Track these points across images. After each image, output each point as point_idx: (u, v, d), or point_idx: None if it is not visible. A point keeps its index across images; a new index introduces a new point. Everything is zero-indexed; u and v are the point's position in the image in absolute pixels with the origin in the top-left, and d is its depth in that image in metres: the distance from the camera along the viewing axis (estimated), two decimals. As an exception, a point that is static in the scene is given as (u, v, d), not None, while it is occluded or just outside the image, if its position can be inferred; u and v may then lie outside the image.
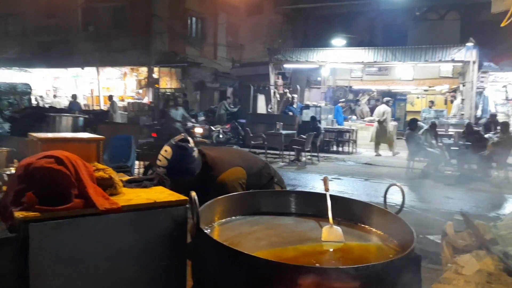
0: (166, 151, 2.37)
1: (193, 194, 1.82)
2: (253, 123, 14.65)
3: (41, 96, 17.77)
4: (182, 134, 2.48)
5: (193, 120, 13.35)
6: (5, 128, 9.16)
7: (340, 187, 8.81)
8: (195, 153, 2.44)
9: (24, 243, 1.61)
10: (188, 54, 20.21)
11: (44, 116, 7.06)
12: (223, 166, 2.53)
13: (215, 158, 2.56)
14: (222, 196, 2.19)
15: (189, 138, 2.43)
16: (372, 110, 18.18)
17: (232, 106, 17.13)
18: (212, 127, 14.27)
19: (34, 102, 14.44)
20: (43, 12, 21.22)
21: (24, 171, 1.73)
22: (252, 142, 12.73)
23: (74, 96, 16.72)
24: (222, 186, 2.42)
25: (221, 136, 14.11)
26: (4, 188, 2.01)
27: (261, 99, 17.60)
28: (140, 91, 20.44)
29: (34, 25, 21.66)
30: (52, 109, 10.00)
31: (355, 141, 14.66)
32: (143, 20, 19.06)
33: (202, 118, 15.23)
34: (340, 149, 14.58)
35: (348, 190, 8.43)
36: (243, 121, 15.22)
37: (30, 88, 12.70)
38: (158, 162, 2.38)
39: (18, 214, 1.62)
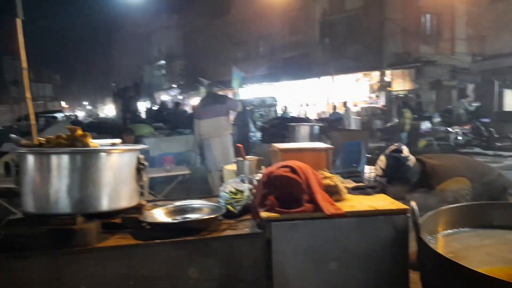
0: (381, 160, 2.48)
1: (413, 204, 1.87)
2: (499, 122, 12.91)
3: (285, 107, 19.85)
4: (396, 144, 2.53)
5: None
6: (257, 137, 10.73)
7: None
8: (410, 163, 2.45)
9: (268, 238, 1.99)
10: (422, 53, 19.28)
11: (286, 126, 7.97)
12: (444, 175, 2.46)
13: (435, 166, 2.50)
14: (447, 206, 2.14)
15: (403, 148, 2.46)
16: None
17: (472, 104, 15.48)
18: (449, 129, 13.24)
19: (279, 112, 16.25)
20: (287, 31, 23.80)
21: (267, 178, 2.13)
22: (498, 144, 11.24)
23: (334, 107, 16.83)
24: (441, 196, 2.35)
25: (459, 137, 12.94)
26: (254, 191, 2.47)
27: (508, 94, 15.35)
28: (373, 95, 20.54)
29: (279, 43, 24.49)
30: (293, 119, 11.16)
31: None
32: (375, 25, 19.19)
33: (437, 119, 14.29)
34: None
35: None
36: (486, 120, 13.57)
37: (276, 101, 14.45)
38: (374, 171, 2.50)
39: (263, 214, 2.01)
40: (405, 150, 2.48)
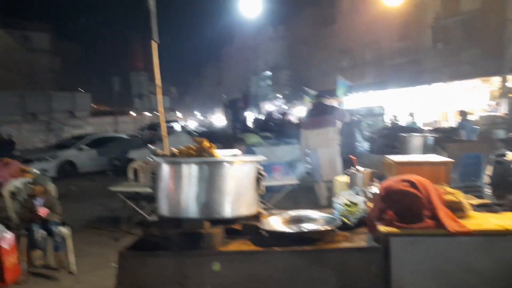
0: (488, 169, 2.34)
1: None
2: None
3: (394, 116, 19.03)
4: (500, 149, 2.38)
5: None
6: (365, 147, 10.46)
7: None
8: None
9: (386, 253, 1.97)
10: (553, 55, 17.24)
11: (396, 136, 7.66)
12: None
13: None
14: None
15: (507, 152, 2.30)
16: None
17: None
18: None
19: (388, 122, 15.66)
20: (396, 37, 22.96)
21: (385, 192, 2.11)
22: None
23: (463, 113, 14.62)
24: None
25: None
26: (369, 204, 2.46)
27: None
28: (493, 102, 18.83)
29: (387, 50, 23.71)
30: (403, 128, 10.65)
31: None
32: (495, 26, 17.65)
33: None
34: None
35: None
36: None
37: (384, 110, 14.00)
38: (483, 181, 2.37)
39: (382, 228, 2.00)
40: (510, 154, 2.33)
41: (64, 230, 4.39)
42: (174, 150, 2.41)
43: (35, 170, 5.71)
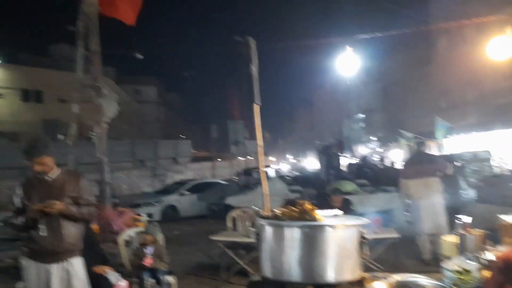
0: None
1: None
2: None
3: (502, 160, 17.47)
4: None
5: None
6: (470, 195, 9.68)
7: None
8: None
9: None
10: None
11: (507, 185, 7.06)
12: None
13: None
14: None
15: None
16: None
17: None
18: None
19: (495, 167, 14.39)
20: (501, 75, 21.39)
21: (504, 264, 1.96)
22: None
23: None
24: None
25: None
26: (484, 272, 2.30)
27: None
28: None
29: (491, 89, 22.12)
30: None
31: None
32: None
33: None
34: None
35: None
36: None
37: (490, 155, 12.99)
38: None
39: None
40: None
41: (170, 279, 4.63)
42: (277, 211, 2.49)
43: (145, 217, 6.15)
